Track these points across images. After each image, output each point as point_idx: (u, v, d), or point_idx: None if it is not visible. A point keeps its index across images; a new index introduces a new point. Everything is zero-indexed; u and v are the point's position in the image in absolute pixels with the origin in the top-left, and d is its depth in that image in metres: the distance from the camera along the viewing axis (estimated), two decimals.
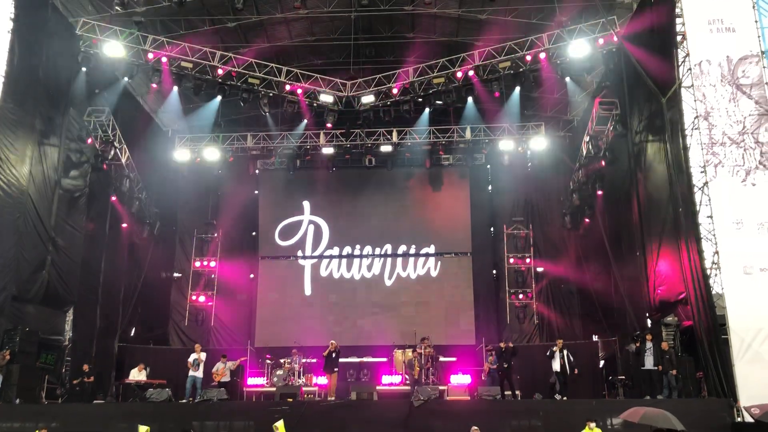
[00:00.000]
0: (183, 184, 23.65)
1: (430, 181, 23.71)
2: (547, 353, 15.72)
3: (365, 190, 23.90)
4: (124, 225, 20.18)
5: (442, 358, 19.28)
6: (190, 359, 16.10)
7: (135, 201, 20.06)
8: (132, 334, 20.55)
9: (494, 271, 23.37)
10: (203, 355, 16.18)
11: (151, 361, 17.62)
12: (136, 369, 17.08)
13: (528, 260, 22.81)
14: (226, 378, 17.40)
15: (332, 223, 23.77)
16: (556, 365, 15.39)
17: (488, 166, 23.87)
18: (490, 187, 24.12)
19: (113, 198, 19.55)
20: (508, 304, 22.51)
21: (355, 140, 21.66)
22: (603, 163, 19.11)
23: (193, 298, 23.00)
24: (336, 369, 16.73)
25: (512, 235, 23.28)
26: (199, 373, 16.04)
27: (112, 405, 15.74)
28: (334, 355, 16.75)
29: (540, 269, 22.81)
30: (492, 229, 23.78)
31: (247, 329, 23.05)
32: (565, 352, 15.41)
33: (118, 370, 18.75)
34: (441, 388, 16.87)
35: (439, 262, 23.27)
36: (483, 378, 18.13)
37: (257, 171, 23.72)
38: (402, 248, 23.45)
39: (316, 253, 23.65)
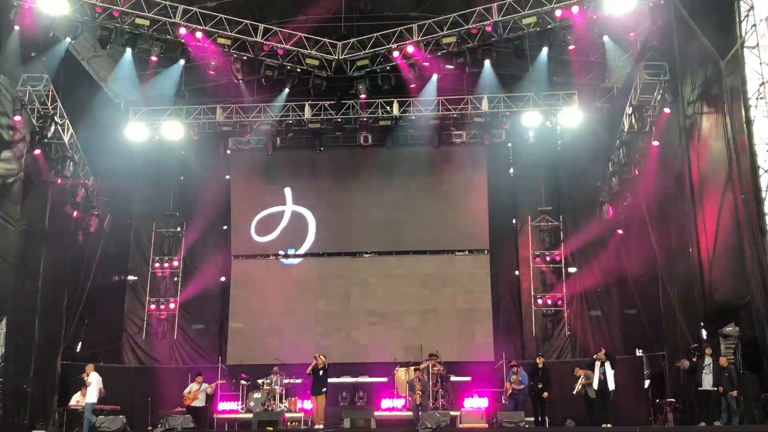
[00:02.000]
0: (139, 168, 23.65)
1: (438, 164, 23.73)
2: (583, 367, 15.86)
3: (360, 175, 23.94)
4: (69, 217, 20.17)
5: (453, 378, 19.63)
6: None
7: (80, 188, 20.04)
8: (78, 350, 20.60)
9: (517, 272, 23.44)
10: (95, 377, 16.26)
11: (103, 380, 17.60)
12: (96, 391, 17.17)
13: (558, 258, 22.86)
14: (199, 402, 17.56)
15: (320, 215, 23.83)
16: (594, 383, 15.53)
17: (509, 145, 23.90)
18: (511, 170, 24.14)
19: (54, 184, 19.52)
20: (534, 311, 22.58)
21: (348, 113, 21.66)
22: (648, 140, 19.13)
23: (152, 306, 23.04)
24: (324, 390, 16.89)
25: (539, 229, 23.33)
26: (90, 397, 16.13)
27: None
28: (321, 372, 16.86)
29: (572, 269, 22.89)
30: (514, 221, 23.83)
31: (217, 343, 23.18)
32: (606, 366, 15.48)
33: (62, 393, 18.84)
34: (453, 413, 17.03)
35: (451, 262, 23.35)
36: (503, 401, 18.36)
37: (229, 151, 23.66)
38: (405, 245, 23.52)
39: (301, 251, 23.74)
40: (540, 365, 17.27)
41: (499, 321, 22.81)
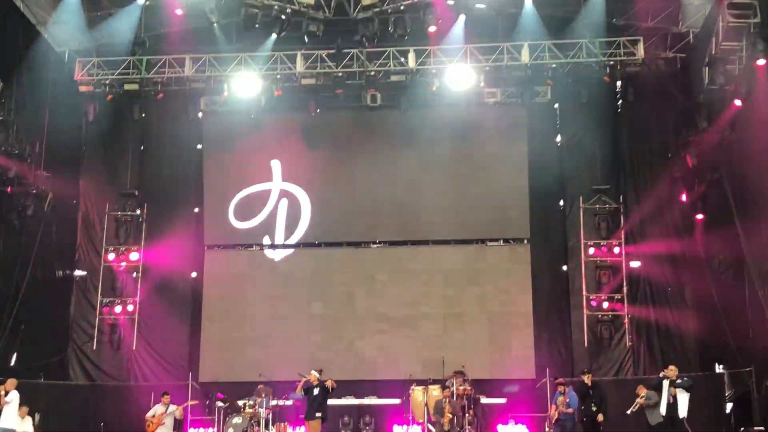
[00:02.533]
0: (88, 135, 23.64)
1: (466, 130, 23.58)
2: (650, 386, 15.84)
3: (366, 144, 23.91)
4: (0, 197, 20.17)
5: (484, 400, 19.76)
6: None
7: (12, 159, 19.98)
8: (12, 363, 20.58)
9: (565, 267, 23.40)
10: (15, 396, 16.21)
11: (42, 403, 17.71)
12: (17, 415, 17.13)
13: (617, 250, 22.72)
14: (165, 428, 17.75)
15: (316, 195, 23.81)
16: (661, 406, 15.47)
17: (556, 106, 23.79)
18: (558, 138, 23.99)
19: None
20: (587, 316, 22.48)
21: (351, 66, 21.56)
22: (734, 99, 18.92)
23: (106, 308, 23.05)
24: (320, 415, 16.82)
25: (593, 212, 23.20)
26: (6, 421, 16.11)
27: None
28: (317, 391, 16.82)
29: (635, 264, 22.74)
30: (561, 203, 23.75)
31: (187, 355, 23.23)
32: (678, 386, 15.39)
33: None
34: None
35: (481, 254, 23.31)
36: (547, 429, 18.38)
37: (200, 114, 23.65)
38: (423, 232, 23.51)
39: (292, 241, 23.74)
40: (589, 383, 17.24)
41: (542, 328, 22.78)
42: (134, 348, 23.05)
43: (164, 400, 18.04)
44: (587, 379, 17.52)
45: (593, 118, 23.00)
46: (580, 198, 23.22)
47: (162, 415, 17.75)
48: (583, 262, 22.86)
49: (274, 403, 19.36)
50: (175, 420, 18.09)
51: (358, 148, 23.91)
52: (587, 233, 23.03)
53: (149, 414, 17.91)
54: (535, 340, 22.51)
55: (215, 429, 19.61)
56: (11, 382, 16.53)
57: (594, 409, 17.03)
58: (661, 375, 15.84)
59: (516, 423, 19.24)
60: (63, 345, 22.87)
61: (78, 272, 23.68)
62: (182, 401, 18.78)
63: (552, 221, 23.66)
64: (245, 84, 21.65)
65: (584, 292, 22.66)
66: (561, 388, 17.65)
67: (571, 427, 17.43)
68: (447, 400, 17.58)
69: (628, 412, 16.39)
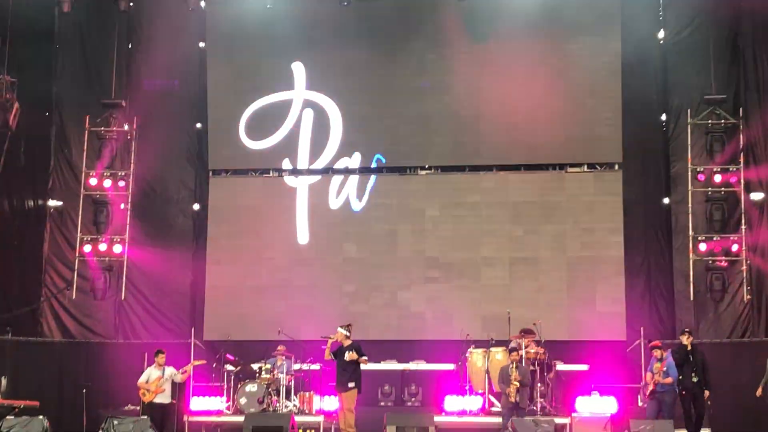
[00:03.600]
0: (62, 30, 23.59)
1: (542, 23, 23.16)
2: None
3: (413, 41, 23.57)
4: None
5: (561, 366, 19.84)
6: None
7: None
8: None
9: (667, 200, 23.17)
10: None
11: (9, 364, 17.93)
12: None
13: (734, 178, 22.42)
14: (164, 396, 17.82)
15: (349, 106, 23.67)
16: None
17: None
18: (661, 34, 23.55)
19: None
20: (693, 262, 22.28)
21: None
22: None
23: (87, 247, 23.16)
24: (353, 384, 16.89)
25: (705, 130, 22.84)
26: None
27: None
28: (347, 354, 16.86)
29: (758, 196, 22.44)
30: (664, 117, 23.44)
31: (188, 307, 23.49)
32: None
33: None
34: (559, 421, 17.32)
35: (559, 183, 23.20)
36: (640, 403, 18.54)
37: (203, 3, 23.50)
38: (485, 155, 23.35)
39: (318, 165, 23.72)
40: (689, 346, 17.07)
41: (636, 278, 22.64)
42: (123, 297, 23.23)
43: (159, 360, 18.07)
44: (686, 340, 17.36)
45: (706, 8, 22.61)
46: (688, 111, 22.84)
47: (159, 379, 17.84)
48: (690, 193, 22.56)
49: (296, 367, 19.47)
50: (174, 385, 18.19)
51: (402, 46, 23.56)
52: (696, 156, 22.72)
53: (142, 380, 17.98)
54: (627, 293, 22.37)
55: (225, 398, 19.74)
56: None
57: (695, 379, 16.90)
58: None
59: (601, 395, 19.09)
60: (35, 293, 23.08)
61: (52, 202, 23.78)
62: (183, 364, 18.86)
63: (651, 141, 23.37)
64: None
65: (691, 232, 22.40)
66: (658, 353, 17.55)
67: (671, 400, 17.37)
68: (514, 366, 17.50)
69: (758, 393, 16.27)
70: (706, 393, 16.92)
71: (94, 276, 23.15)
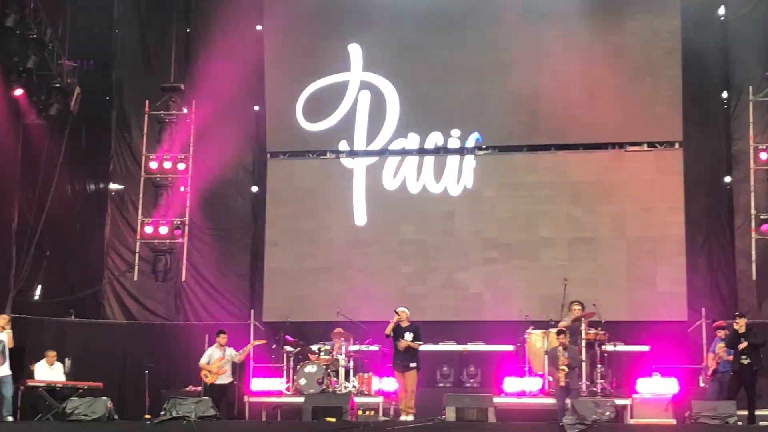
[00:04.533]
0: (121, 14, 23.84)
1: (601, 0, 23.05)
2: None
3: (470, 21, 23.44)
4: (17, 94, 20.37)
5: (620, 347, 19.50)
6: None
7: (31, 47, 20.09)
8: (36, 297, 21.21)
9: (728, 178, 22.92)
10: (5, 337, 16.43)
11: (72, 346, 18.11)
12: (44, 361, 17.57)
13: None
14: (226, 377, 17.87)
15: (406, 88, 23.64)
16: None
17: None
18: (722, 10, 23.21)
19: None
20: (755, 242, 21.90)
21: None
22: None
23: (148, 229, 23.28)
24: (414, 365, 16.89)
25: (766, 106, 22.48)
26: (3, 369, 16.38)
27: (5, 426, 16.23)
28: (407, 335, 16.87)
29: None
30: (725, 94, 23.16)
31: (248, 289, 23.64)
32: None
33: (14, 363, 19.31)
34: (620, 402, 16.99)
35: (618, 162, 23.00)
36: (702, 384, 18.37)
37: None
38: (543, 135, 23.21)
39: (375, 146, 23.69)
40: (741, 329, 16.81)
41: (697, 257, 22.45)
42: (183, 279, 23.42)
43: (220, 340, 18.12)
44: (739, 325, 16.97)
45: None
46: (750, 88, 22.41)
47: (220, 360, 17.90)
48: (752, 171, 22.13)
49: (355, 348, 19.46)
50: (234, 366, 18.27)
51: (459, 27, 23.42)
52: (759, 134, 22.32)
53: (203, 360, 18.07)
54: (688, 273, 22.17)
55: (284, 379, 19.80)
56: (3, 319, 16.85)
57: (745, 362, 16.57)
58: None
59: (662, 376, 18.85)
60: (97, 275, 23.36)
61: (113, 186, 24.03)
62: (243, 345, 18.92)
63: (712, 119, 23.05)
64: None
65: (753, 211, 22.01)
66: (721, 333, 17.47)
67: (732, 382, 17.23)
68: (562, 349, 17.20)
69: None
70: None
71: (154, 259, 23.28)
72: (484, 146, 23.45)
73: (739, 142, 22.76)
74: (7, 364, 16.46)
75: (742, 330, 16.83)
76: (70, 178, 22.40)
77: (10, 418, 16.35)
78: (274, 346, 20.51)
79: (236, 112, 24.15)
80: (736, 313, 18.01)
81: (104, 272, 23.52)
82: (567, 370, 16.93)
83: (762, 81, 22.47)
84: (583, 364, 17.79)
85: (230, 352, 18.11)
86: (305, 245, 23.44)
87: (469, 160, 23.37)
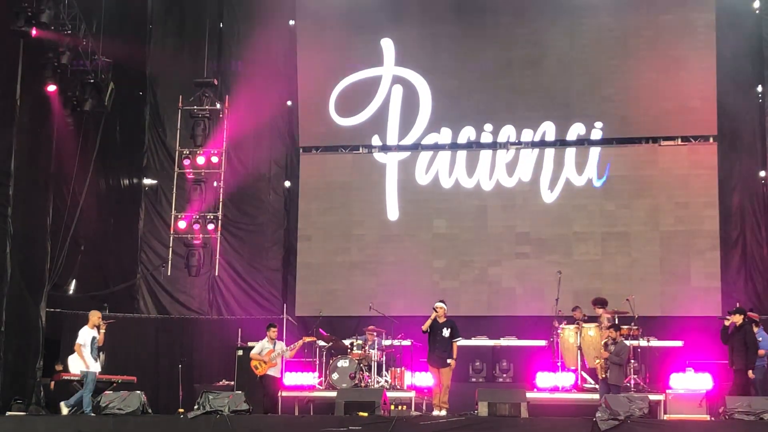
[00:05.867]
0: (155, 10, 24.22)
1: None
2: None
3: (502, 16, 23.46)
4: (50, 89, 20.43)
5: (654, 342, 19.39)
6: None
7: (65, 43, 20.14)
8: (71, 292, 21.32)
9: (762, 173, 22.69)
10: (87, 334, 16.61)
11: (108, 340, 18.14)
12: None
13: None
14: (276, 371, 18.03)
15: (438, 82, 23.59)
16: None
17: None
18: (756, 3, 22.89)
19: (25, 37, 19.56)
20: None
21: None
22: None
23: (182, 224, 23.35)
24: (450, 360, 16.92)
25: None
26: (94, 365, 16.56)
27: (40, 420, 16.34)
28: (444, 331, 16.88)
29: None
30: (760, 89, 22.91)
31: (280, 283, 23.67)
32: None
33: (49, 357, 19.52)
34: (653, 397, 16.89)
35: (652, 156, 22.84)
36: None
37: None
38: (576, 130, 23.06)
39: (408, 141, 23.64)
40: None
41: (732, 252, 22.33)
42: (216, 274, 23.48)
43: (270, 334, 18.07)
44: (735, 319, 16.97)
45: None
46: None
47: (270, 352, 17.84)
48: None
49: (387, 343, 19.42)
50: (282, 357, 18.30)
51: (492, 22, 23.40)
52: None
53: (255, 351, 17.98)
54: (722, 268, 22.01)
55: (317, 374, 19.77)
56: (96, 315, 17.16)
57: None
58: None
59: (696, 371, 18.67)
60: (131, 270, 23.53)
61: (147, 180, 24.19)
62: (277, 339, 18.88)
63: (747, 113, 22.84)
64: None
65: None
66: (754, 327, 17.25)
67: (762, 377, 17.17)
68: (611, 342, 17.31)
69: None
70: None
71: (187, 253, 23.28)
72: (517, 140, 23.31)
73: None
74: (91, 360, 16.67)
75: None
76: (105, 174, 22.54)
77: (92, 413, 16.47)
78: (305, 341, 20.51)
79: (269, 107, 24.17)
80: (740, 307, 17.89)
81: (138, 267, 23.69)
82: (602, 362, 17.03)
83: None
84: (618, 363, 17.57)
85: (281, 346, 18.11)
86: (338, 240, 23.45)
87: (502, 155, 23.25)
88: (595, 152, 22.93)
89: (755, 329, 17.20)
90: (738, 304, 19.96)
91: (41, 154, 20.09)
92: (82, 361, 16.51)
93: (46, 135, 20.32)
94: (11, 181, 18.93)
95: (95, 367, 16.69)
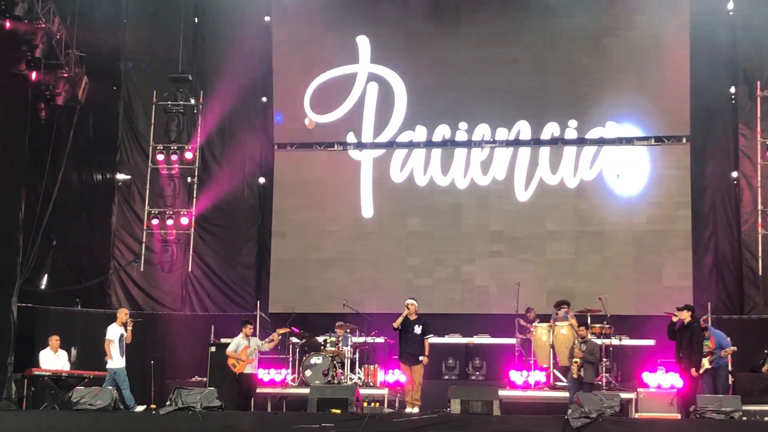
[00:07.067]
0: (130, 4, 23.86)
1: None
2: None
3: (478, 14, 23.40)
4: (24, 82, 20.24)
5: (626, 341, 19.54)
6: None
7: (40, 36, 19.85)
8: (42, 287, 21.16)
9: (735, 173, 22.79)
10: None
11: (79, 335, 18.07)
12: (49, 349, 17.52)
13: None
14: (252, 367, 17.88)
15: (414, 80, 23.59)
16: None
17: None
18: (731, 6, 23.02)
19: None
20: (762, 237, 21.95)
21: None
22: None
23: (154, 221, 23.34)
24: (422, 357, 16.97)
25: None
26: (117, 362, 16.80)
27: (12, 415, 16.24)
28: (416, 329, 16.91)
29: None
30: (733, 90, 23.00)
31: (254, 280, 23.64)
32: None
33: (21, 352, 19.29)
34: (625, 396, 16.96)
35: (626, 156, 22.85)
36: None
37: None
38: (551, 129, 23.12)
39: (383, 139, 23.64)
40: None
41: (703, 252, 22.44)
42: (189, 270, 23.48)
43: (246, 330, 17.92)
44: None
45: None
46: (758, 83, 22.44)
47: (246, 349, 17.76)
48: (759, 166, 22.19)
49: (360, 340, 19.43)
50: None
51: (468, 20, 23.34)
52: (766, 129, 22.28)
53: (230, 349, 17.84)
54: (694, 267, 22.14)
55: (290, 370, 19.75)
56: (124, 312, 17.56)
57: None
58: None
59: (667, 370, 18.79)
60: (103, 265, 23.38)
61: (120, 176, 24.01)
62: (284, 334, 18.97)
63: (720, 114, 22.94)
64: None
65: (760, 206, 22.10)
66: (704, 329, 17.54)
67: (725, 375, 17.58)
68: (580, 340, 17.37)
69: None
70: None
71: (161, 249, 23.33)
72: (491, 139, 23.32)
73: (747, 137, 22.66)
74: (119, 357, 17.01)
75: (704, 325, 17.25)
76: (78, 168, 22.35)
77: (139, 408, 16.83)
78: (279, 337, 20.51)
79: (244, 103, 24.15)
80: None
81: (111, 262, 23.59)
82: (579, 362, 17.04)
83: None
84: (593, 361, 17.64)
85: (255, 341, 18.02)
86: (312, 237, 23.43)
87: (476, 153, 23.28)
88: (569, 151, 22.98)
89: (705, 330, 17.45)
90: (710, 304, 20.25)
91: (14, 148, 19.92)
92: (109, 356, 16.89)
93: (19, 129, 20.15)
94: None
95: (122, 363, 16.93)
